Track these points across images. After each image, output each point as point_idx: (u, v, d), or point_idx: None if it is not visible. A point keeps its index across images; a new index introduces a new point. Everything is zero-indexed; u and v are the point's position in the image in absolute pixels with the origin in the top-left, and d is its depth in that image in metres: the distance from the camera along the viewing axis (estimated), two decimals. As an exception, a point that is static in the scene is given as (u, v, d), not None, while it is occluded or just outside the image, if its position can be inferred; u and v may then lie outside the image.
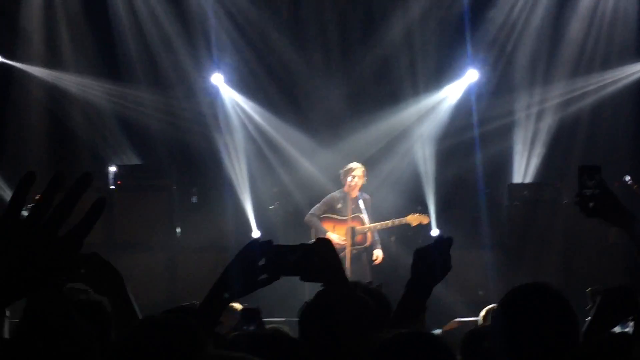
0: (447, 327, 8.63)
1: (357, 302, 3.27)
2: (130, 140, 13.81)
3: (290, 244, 3.29)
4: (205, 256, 12.33)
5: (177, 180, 13.13)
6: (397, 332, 2.79)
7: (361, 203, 10.76)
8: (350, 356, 3.06)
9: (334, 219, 10.80)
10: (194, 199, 13.45)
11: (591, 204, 3.64)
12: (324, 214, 10.85)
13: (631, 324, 3.67)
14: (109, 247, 12.16)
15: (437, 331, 6.39)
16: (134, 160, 13.66)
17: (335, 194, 10.93)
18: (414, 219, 10.60)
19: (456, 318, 9.60)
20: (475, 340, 3.87)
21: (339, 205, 10.72)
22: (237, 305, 5.44)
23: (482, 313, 6.24)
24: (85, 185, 1.66)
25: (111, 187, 12.68)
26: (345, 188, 10.69)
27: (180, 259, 12.58)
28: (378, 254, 10.79)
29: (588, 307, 5.64)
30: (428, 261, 3.43)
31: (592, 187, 3.63)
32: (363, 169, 10.77)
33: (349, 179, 10.63)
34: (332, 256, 3.26)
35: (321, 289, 3.29)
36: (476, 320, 6.82)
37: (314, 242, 3.31)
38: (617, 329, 3.65)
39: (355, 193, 10.75)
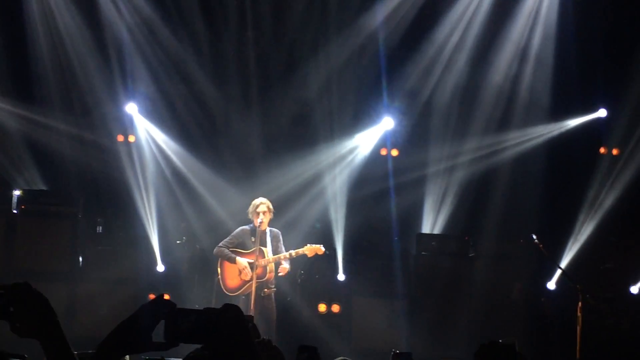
0: None
1: None
2: (38, 164, 13.46)
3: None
4: (107, 289, 12.07)
5: (83, 209, 12.80)
6: None
7: (269, 237, 10.82)
8: None
9: (239, 252, 10.83)
10: (100, 229, 13.13)
11: None
12: (233, 247, 10.86)
13: None
14: (7, 273, 11.80)
15: None
16: (40, 185, 13.30)
17: (246, 227, 10.97)
18: (310, 250, 10.75)
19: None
20: None
21: (253, 239, 10.76)
22: None
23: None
24: None
25: (14, 211, 12.31)
26: (255, 223, 10.73)
27: (81, 290, 12.25)
28: (285, 267, 10.79)
29: None
30: None
31: None
32: (268, 203, 10.93)
33: (256, 215, 10.78)
34: (240, 323, 3.05)
35: None
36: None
37: (221, 308, 3.08)
38: None
39: (264, 227, 10.81)
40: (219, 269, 10.94)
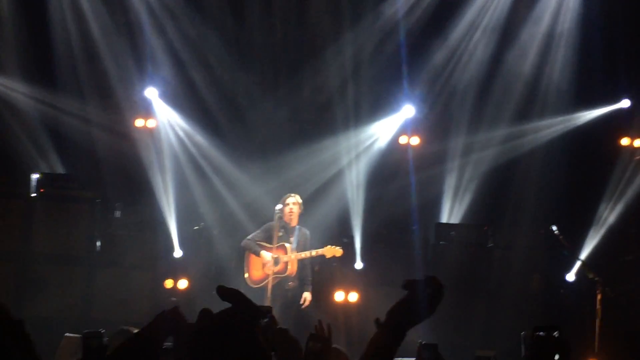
0: None
1: None
2: (57, 148, 13.46)
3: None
4: (125, 273, 12.09)
5: (102, 193, 12.79)
6: None
7: (296, 233, 10.89)
8: None
9: (265, 246, 10.94)
10: (117, 214, 13.12)
11: None
12: (261, 241, 10.95)
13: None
14: (26, 257, 11.83)
15: None
16: (59, 169, 13.30)
17: (274, 222, 10.98)
18: (328, 251, 10.84)
19: None
20: None
21: (281, 234, 10.89)
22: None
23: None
24: None
25: (33, 194, 12.32)
26: (285, 218, 10.94)
27: (98, 274, 12.26)
28: (305, 297, 10.94)
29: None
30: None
31: None
32: (298, 197, 11.11)
33: (285, 208, 10.95)
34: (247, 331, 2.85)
35: None
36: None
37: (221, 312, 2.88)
38: None
39: (294, 222, 10.93)
40: (245, 261, 11.12)
